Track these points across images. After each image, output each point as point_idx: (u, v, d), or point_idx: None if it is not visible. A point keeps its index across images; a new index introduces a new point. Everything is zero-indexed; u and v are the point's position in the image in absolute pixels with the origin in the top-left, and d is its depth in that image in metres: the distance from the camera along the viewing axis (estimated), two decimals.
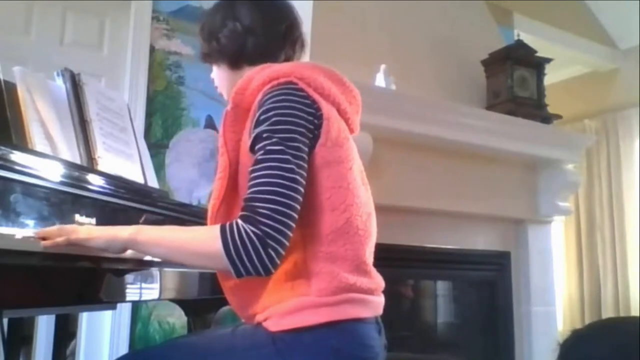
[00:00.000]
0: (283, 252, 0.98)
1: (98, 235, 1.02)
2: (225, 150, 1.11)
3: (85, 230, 1.03)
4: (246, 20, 1.21)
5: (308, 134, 1.06)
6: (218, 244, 0.97)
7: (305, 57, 1.33)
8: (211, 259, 1.01)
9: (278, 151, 1.01)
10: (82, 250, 1.01)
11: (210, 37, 1.24)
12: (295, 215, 1.00)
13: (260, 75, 1.12)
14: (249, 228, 0.96)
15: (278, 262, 0.98)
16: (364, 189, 1.18)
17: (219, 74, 1.28)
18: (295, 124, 1.04)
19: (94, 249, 1.03)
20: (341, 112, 1.17)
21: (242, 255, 0.96)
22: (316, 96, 1.10)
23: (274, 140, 1.02)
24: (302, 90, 1.09)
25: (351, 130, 1.22)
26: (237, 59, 1.22)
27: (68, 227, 1.01)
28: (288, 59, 1.24)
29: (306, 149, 1.05)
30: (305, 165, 1.04)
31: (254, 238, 0.96)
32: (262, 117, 1.05)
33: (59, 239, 0.96)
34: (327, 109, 1.11)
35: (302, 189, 1.02)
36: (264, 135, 1.03)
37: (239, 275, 0.98)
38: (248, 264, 0.96)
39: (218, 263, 0.99)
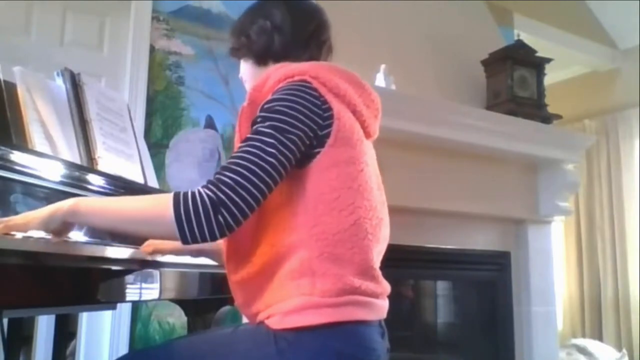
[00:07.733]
0: (234, 225, 0.96)
1: (34, 216, 0.99)
2: None
3: (22, 215, 1.00)
4: (276, 19, 1.23)
5: (309, 132, 1.06)
6: (169, 208, 0.95)
7: None
8: (159, 225, 0.98)
9: (266, 134, 1.02)
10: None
11: (240, 33, 1.27)
12: (261, 198, 0.99)
13: (278, 73, 1.13)
14: (205, 192, 0.96)
15: (226, 232, 0.96)
16: (378, 194, 1.17)
17: (245, 70, 1.29)
18: (294, 118, 1.05)
19: (37, 231, 0.98)
20: (357, 115, 1.17)
21: (191, 217, 0.94)
22: (329, 96, 1.11)
23: (267, 124, 1.04)
24: (314, 89, 1.09)
25: (367, 134, 1.21)
26: (263, 56, 1.24)
27: (6, 218, 0.97)
28: (312, 60, 1.24)
29: (300, 145, 1.05)
30: (292, 158, 1.03)
31: (207, 201, 0.95)
32: (266, 105, 1.07)
33: None
34: (339, 109, 1.11)
35: (277, 177, 1.01)
36: (259, 119, 1.05)
37: (184, 240, 0.96)
38: (195, 227, 0.94)
39: (166, 228, 0.96)
